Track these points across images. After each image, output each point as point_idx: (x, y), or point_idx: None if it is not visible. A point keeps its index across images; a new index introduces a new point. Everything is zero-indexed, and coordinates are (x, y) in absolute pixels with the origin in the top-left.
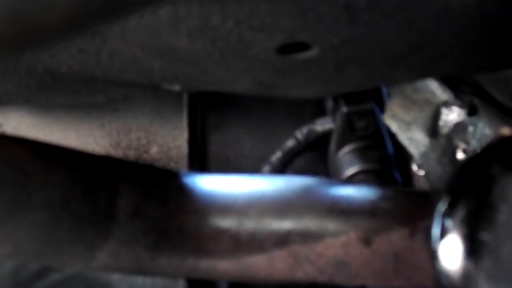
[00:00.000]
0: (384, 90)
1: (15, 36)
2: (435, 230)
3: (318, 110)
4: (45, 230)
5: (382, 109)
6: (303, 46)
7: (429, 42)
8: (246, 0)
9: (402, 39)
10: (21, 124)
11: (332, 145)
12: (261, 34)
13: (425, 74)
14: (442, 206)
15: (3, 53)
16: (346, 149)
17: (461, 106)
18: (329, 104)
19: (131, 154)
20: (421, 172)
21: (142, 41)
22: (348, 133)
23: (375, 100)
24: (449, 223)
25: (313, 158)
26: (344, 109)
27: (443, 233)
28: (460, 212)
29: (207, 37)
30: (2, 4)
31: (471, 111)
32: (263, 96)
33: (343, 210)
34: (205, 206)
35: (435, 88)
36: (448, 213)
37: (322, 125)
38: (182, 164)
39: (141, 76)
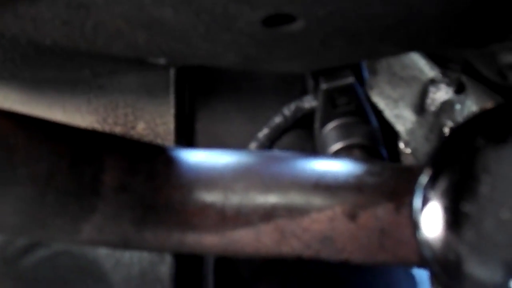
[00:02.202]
0: (363, 64)
1: None
2: (417, 202)
3: (306, 87)
4: (30, 204)
5: (362, 84)
6: (289, 19)
7: (416, 15)
8: None
9: (389, 12)
10: (7, 99)
11: (317, 122)
12: (246, 6)
13: (411, 47)
14: (424, 178)
15: None
16: (330, 125)
17: (448, 84)
18: (310, 81)
19: (118, 130)
20: (408, 150)
21: (126, 13)
22: (330, 109)
23: (355, 75)
24: (430, 194)
25: (300, 135)
26: (324, 85)
27: (425, 205)
28: (442, 184)
29: (192, 9)
30: None
31: (459, 89)
32: (249, 70)
33: (328, 185)
34: (191, 181)
35: (422, 65)
36: (430, 185)
37: (310, 102)
38: (169, 140)
39: (126, 49)
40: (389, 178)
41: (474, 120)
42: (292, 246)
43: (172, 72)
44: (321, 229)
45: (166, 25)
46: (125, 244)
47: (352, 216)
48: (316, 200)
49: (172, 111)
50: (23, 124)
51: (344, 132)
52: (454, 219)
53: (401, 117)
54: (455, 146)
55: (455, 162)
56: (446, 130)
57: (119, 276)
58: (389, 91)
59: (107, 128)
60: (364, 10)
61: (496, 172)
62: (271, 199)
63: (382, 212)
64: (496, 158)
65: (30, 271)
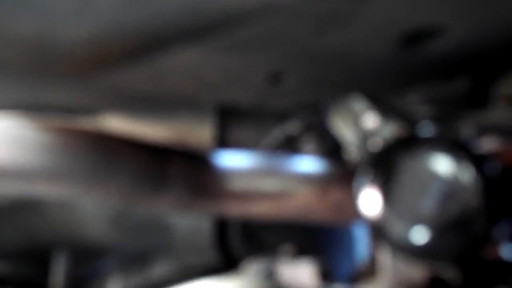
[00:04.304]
0: (328, 103)
1: (95, 59)
2: (358, 186)
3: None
4: (126, 188)
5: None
6: (280, 76)
7: (351, 77)
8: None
9: (339, 70)
10: (111, 122)
11: (300, 136)
12: (251, 65)
13: (355, 91)
14: (363, 171)
15: (82, 72)
16: (308, 138)
17: (376, 115)
18: (297, 114)
19: (177, 143)
20: (351, 155)
21: (182, 74)
22: (306, 130)
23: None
24: (366, 181)
25: (291, 144)
26: (302, 116)
27: (364, 187)
28: (373, 175)
29: (220, 67)
30: (84, 34)
31: (383, 119)
32: (258, 105)
33: (306, 175)
34: (224, 173)
35: (360, 102)
36: (366, 175)
37: (296, 124)
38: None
39: (181, 94)
40: (342, 171)
41: (394, 141)
42: (284, 214)
43: (210, 106)
44: (301, 204)
45: (206, 80)
46: (184, 209)
47: (320, 195)
48: (299, 185)
49: (212, 131)
50: (122, 140)
51: (316, 142)
52: (380, 196)
53: (348, 136)
54: (383, 154)
55: (382, 163)
56: (375, 145)
57: (179, 230)
58: (340, 120)
59: (170, 141)
60: (324, 68)
61: (405, 169)
62: (272, 184)
63: (337, 192)
64: (406, 161)
65: (127, 224)
